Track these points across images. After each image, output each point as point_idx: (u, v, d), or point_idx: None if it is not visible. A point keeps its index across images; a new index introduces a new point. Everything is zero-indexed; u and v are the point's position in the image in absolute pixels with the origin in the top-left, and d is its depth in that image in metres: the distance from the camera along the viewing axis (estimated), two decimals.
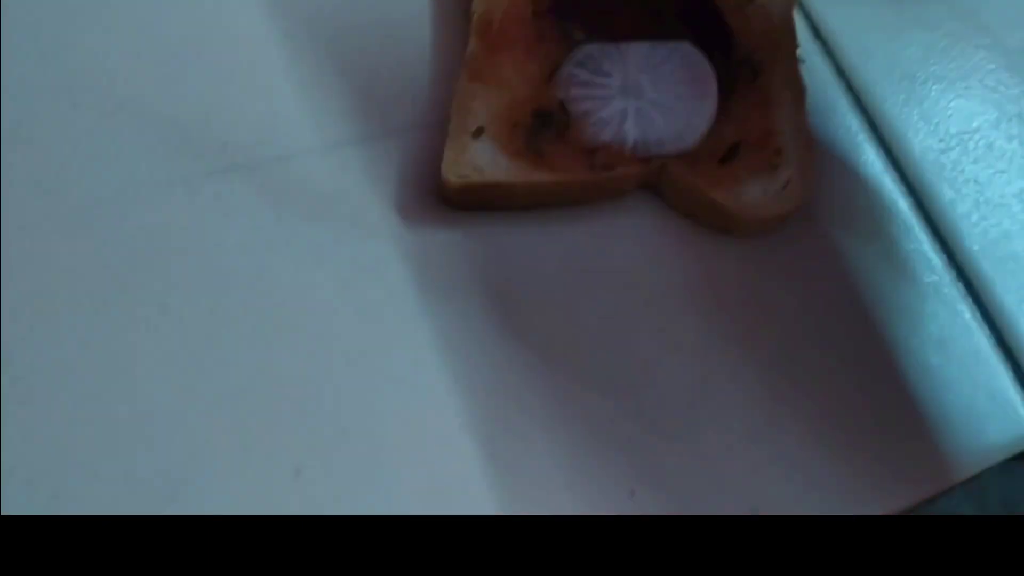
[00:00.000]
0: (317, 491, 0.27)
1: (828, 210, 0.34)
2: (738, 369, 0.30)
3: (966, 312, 0.33)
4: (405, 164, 0.32)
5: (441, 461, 0.28)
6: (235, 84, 0.32)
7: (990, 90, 0.37)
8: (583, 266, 0.31)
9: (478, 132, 0.31)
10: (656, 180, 0.32)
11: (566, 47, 0.33)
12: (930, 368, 0.31)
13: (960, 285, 0.33)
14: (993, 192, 0.35)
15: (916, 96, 0.36)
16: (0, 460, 0.26)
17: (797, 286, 0.32)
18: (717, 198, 0.31)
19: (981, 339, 0.32)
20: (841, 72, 0.37)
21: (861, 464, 0.30)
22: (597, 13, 0.33)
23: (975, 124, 0.36)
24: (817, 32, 0.37)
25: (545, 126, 0.31)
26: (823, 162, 0.34)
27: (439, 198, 0.31)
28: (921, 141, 0.36)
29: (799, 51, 0.34)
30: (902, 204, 0.34)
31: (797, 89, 0.33)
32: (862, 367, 0.31)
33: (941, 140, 0.36)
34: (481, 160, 0.31)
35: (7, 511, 0.26)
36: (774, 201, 0.32)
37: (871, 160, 0.35)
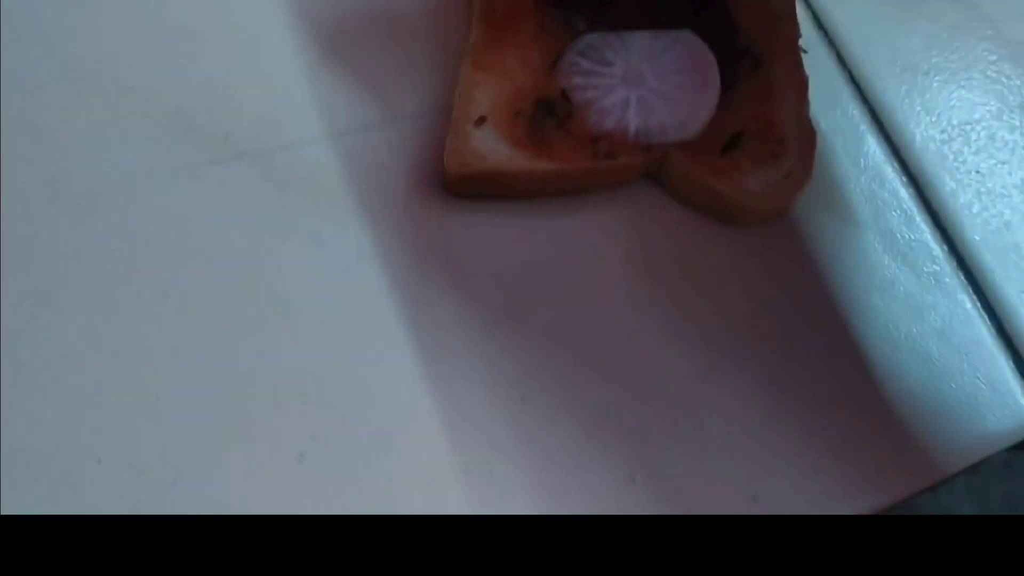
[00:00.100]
0: (321, 476, 0.27)
1: (829, 200, 0.34)
2: (739, 358, 0.30)
3: (967, 302, 0.33)
4: (408, 153, 0.32)
5: (443, 448, 0.28)
6: (239, 72, 0.33)
7: (992, 81, 0.37)
8: (585, 254, 0.31)
9: (480, 121, 0.31)
10: (658, 169, 0.32)
11: (568, 36, 0.33)
12: (931, 357, 0.31)
13: (961, 275, 0.33)
14: (995, 182, 0.35)
15: (918, 87, 0.37)
16: (2, 445, 0.26)
17: (798, 275, 0.32)
18: (719, 187, 0.31)
19: (982, 329, 0.32)
20: (843, 62, 0.37)
21: (862, 453, 0.30)
22: (599, 2, 0.33)
23: (977, 115, 0.36)
24: (819, 22, 0.37)
25: (547, 115, 0.32)
26: (825, 152, 0.34)
27: (441, 186, 0.31)
28: (923, 131, 0.36)
29: (801, 41, 0.34)
30: (903, 194, 0.34)
31: (799, 79, 0.33)
32: (863, 356, 0.31)
33: (943, 130, 0.36)
34: (483, 149, 0.31)
35: (9, 497, 0.26)
36: (776, 191, 0.32)
37: (873, 150, 0.35)
